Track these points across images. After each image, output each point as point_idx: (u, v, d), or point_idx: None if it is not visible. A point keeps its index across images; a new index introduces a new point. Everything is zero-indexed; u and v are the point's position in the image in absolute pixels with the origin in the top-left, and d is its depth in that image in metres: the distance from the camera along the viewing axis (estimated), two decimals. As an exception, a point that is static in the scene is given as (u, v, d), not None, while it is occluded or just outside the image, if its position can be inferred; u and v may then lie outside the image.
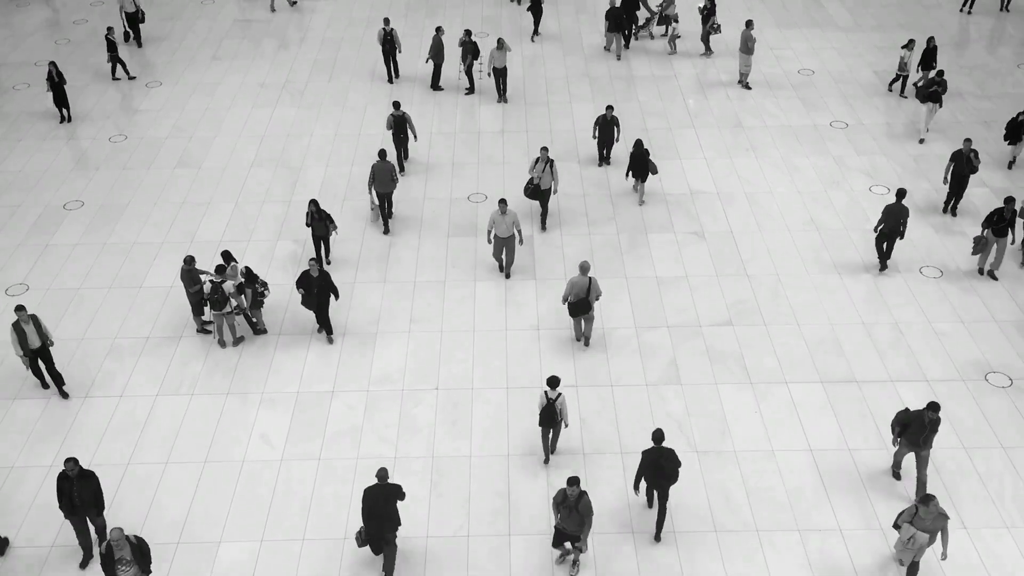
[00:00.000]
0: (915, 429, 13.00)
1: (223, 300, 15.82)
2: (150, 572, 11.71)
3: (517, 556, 12.85)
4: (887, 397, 15.29)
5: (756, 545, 13.00)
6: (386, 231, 19.20)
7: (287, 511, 13.56)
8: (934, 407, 12.80)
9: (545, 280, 17.94)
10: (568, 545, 12.58)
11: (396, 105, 20.60)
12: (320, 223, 17.43)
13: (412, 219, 19.67)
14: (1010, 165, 20.80)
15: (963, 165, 18.64)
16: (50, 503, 13.71)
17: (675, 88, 24.66)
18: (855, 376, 15.71)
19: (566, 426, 13.95)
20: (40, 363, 15.43)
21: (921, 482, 13.32)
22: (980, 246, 17.56)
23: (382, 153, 18.80)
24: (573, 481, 11.57)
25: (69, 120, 23.44)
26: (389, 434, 14.75)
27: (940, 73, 21.35)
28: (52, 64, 22.62)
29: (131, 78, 25.34)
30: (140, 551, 11.44)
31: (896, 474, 13.82)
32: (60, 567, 12.82)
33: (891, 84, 23.99)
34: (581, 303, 15.74)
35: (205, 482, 14.01)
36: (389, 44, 24.35)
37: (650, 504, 13.46)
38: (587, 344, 16.33)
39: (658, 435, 12.55)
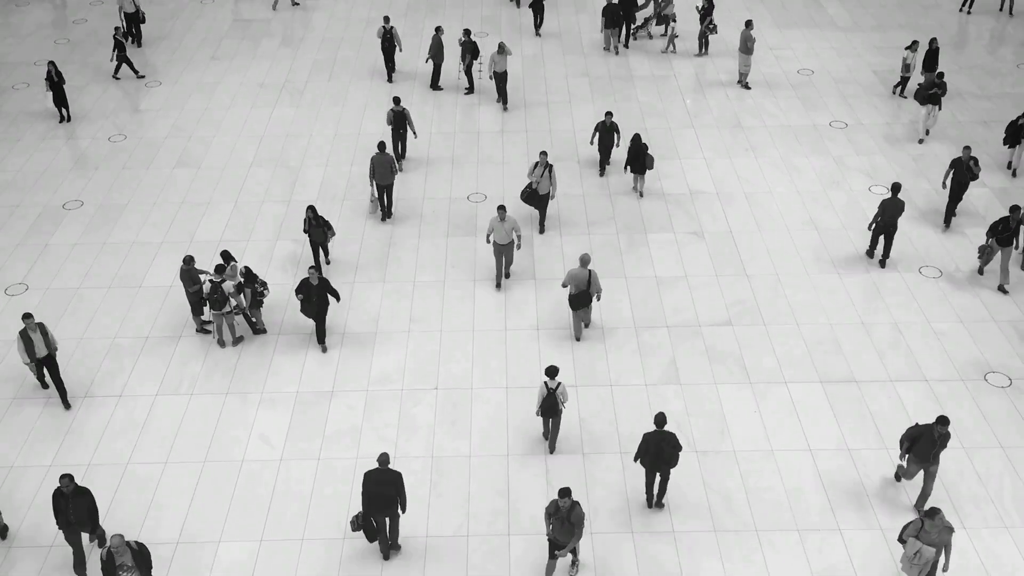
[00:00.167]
0: (924, 444, 12.71)
1: (223, 300, 15.81)
2: None
3: (517, 556, 12.85)
4: (887, 397, 15.30)
5: (756, 545, 13.01)
6: (385, 217, 19.49)
7: (286, 511, 13.56)
8: (943, 421, 12.54)
9: (545, 280, 17.94)
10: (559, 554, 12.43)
11: (396, 100, 20.69)
12: (318, 229, 17.36)
13: (412, 219, 19.67)
14: (1013, 172, 20.62)
15: (963, 172, 18.41)
16: (50, 502, 13.70)
17: (674, 88, 24.67)
18: (854, 376, 15.71)
19: (564, 408, 14.09)
20: (46, 371, 15.31)
21: (925, 495, 13.16)
22: (986, 255, 17.30)
23: (381, 145, 18.93)
24: (564, 492, 11.47)
25: (68, 120, 23.43)
26: (389, 434, 14.75)
27: (940, 75, 21.27)
28: (51, 64, 22.62)
29: (140, 76, 25.33)
30: (141, 556, 11.34)
31: (898, 477, 13.73)
32: (61, 567, 12.81)
33: (895, 88, 23.86)
34: (582, 295, 15.84)
35: (204, 482, 14.01)
36: (389, 42, 24.40)
37: (650, 504, 13.46)
38: (587, 326, 16.56)
39: (660, 419, 12.74)
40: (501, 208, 16.68)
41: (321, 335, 16.17)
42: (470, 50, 23.69)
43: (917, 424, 12.89)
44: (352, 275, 18.10)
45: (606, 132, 20.39)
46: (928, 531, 11.46)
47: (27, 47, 27.26)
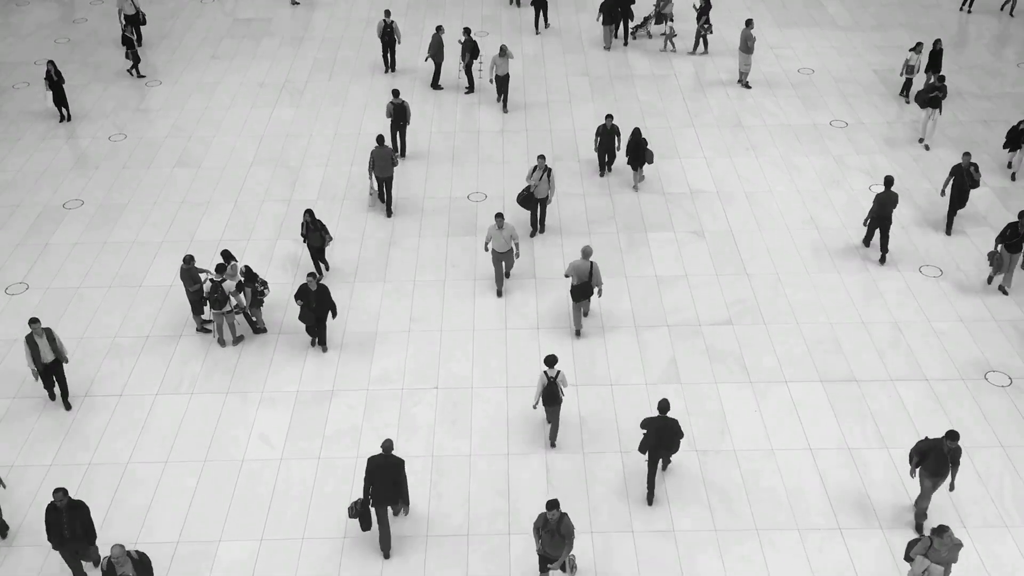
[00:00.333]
0: (934, 459, 12.46)
1: (223, 299, 15.82)
2: None
3: (517, 556, 12.85)
4: (887, 396, 15.29)
5: (756, 545, 13.01)
6: (389, 214, 19.56)
7: (287, 510, 13.56)
8: (952, 436, 12.28)
9: (544, 280, 17.93)
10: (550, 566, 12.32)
11: (395, 93, 20.78)
12: (315, 233, 17.29)
13: (412, 218, 19.67)
14: (1013, 175, 20.55)
15: (963, 179, 18.24)
16: (50, 501, 13.70)
17: (674, 87, 24.66)
18: (855, 375, 15.71)
19: (563, 396, 14.19)
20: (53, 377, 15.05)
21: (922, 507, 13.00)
22: (996, 263, 17.02)
23: (380, 138, 19.07)
24: (552, 505, 11.35)
25: (68, 119, 23.43)
26: (389, 433, 14.74)
27: (941, 79, 21.07)
28: (50, 63, 22.62)
29: (140, 76, 25.34)
30: (142, 566, 11.18)
31: (920, 522, 13.11)
32: (61, 566, 12.81)
33: (902, 90, 23.72)
34: (583, 287, 15.94)
35: (205, 481, 14.01)
36: (389, 36, 24.56)
37: (650, 502, 13.46)
38: (585, 315, 16.71)
39: (663, 405, 12.88)
40: (499, 216, 16.59)
41: (322, 338, 16.17)
42: (470, 49, 23.70)
43: (926, 438, 12.63)
44: (352, 274, 18.10)
45: (607, 135, 20.32)
46: (937, 549, 11.20)
47: (27, 46, 27.26)
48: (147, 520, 13.43)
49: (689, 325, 16.79)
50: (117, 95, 24.59)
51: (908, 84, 23.48)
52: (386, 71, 25.30)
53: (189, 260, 16.02)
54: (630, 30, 27.36)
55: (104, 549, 13.00)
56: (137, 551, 11.25)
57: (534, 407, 14.15)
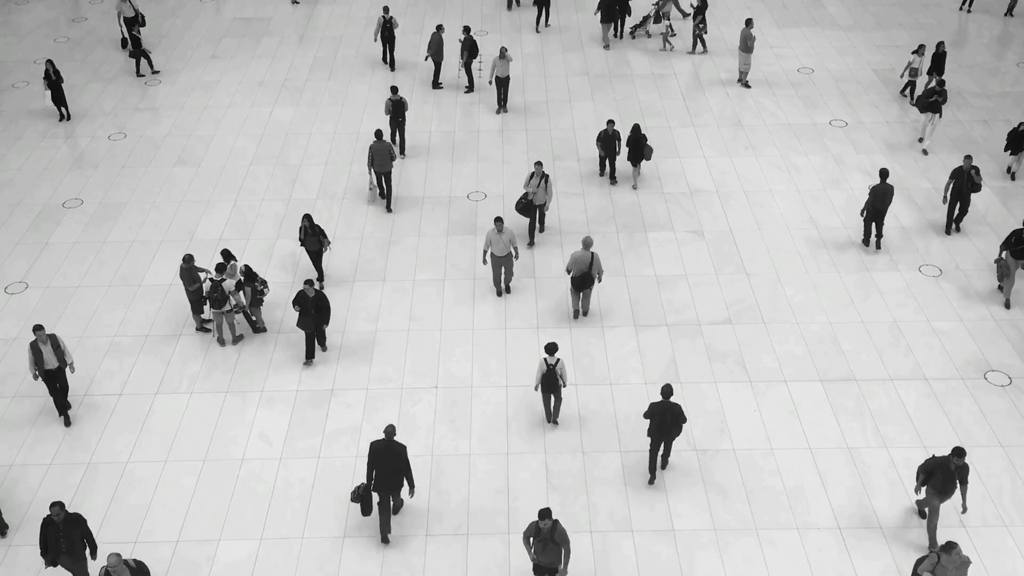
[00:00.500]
0: (941, 476, 12.29)
1: (223, 298, 15.81)
2: None
3: (516, 556, 12.85)
4: (886, 396, 15.30)
5: (756, 544, 13.01)
6: (388, 209, 19.67)
7: (286, 510, 13.56)
8: (959, 453, 12.15)
9: (545, 280, 17.93)
10: None
11: (394, 90, 20.86)
12: (313, 238, 17.18)
13: (411, 217, 19.67)
14: (1009, 170, 20.56)
15: (963, 182, 18.14)
16: (50, 501, 13.71)
17: (674, 86, 24.66)
18: (854, 375, 15.71)
19: (564, 386, 14.35)
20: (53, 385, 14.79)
21: (930, 523, 12.84)
22: (1003, 271, 16.86)
23: (378, 133, 19.18)
24: (545, 514, 11.21)
25: (68, 118, 23.42)
26: (388, 433, 14.75)
27: (941, 83, 20.93)
28: (49, 62, 22.61)
29: (139, 75, 25.34)
30: (140, 573, 11.10)
31: (933, 543, 12.89)
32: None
33: (907, 91, 23.70)
34: (584, 277, 16.08)
35: (204, 480, 14.01)
36: (388, 32, 24.62)
37: (652, 481, 13.67)
38: (585, 314, 16.72)
39: (666, 390, 13.05)
40: (498, 220, 16.52)
41: (321, 340, 16.16)
42: (469, 47, 23.69)
43: (933, 456, 12.46)
44: (352, 273, 18.10)
45: (608, 140, 20.20)
46: (944, 566, 10.96)
47: (27, 45, 27.24)
48: (147, 519, 13.43)
49: (689, 325, 16.79)
50: (117, 94, 24.58)
51: (912, 87, 23.37)
52: (384, 61, 25.46)
53: (189, 259, 16.02)
54: (629, 29, 27.37)
55: (104, 550, 13.01)
56: (135, 560, 11.18)
57: (535, 389, 14.29)
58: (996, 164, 21.16)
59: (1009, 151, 20.23)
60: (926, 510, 13.16)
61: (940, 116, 21.21)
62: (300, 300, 15.46)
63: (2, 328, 16.89)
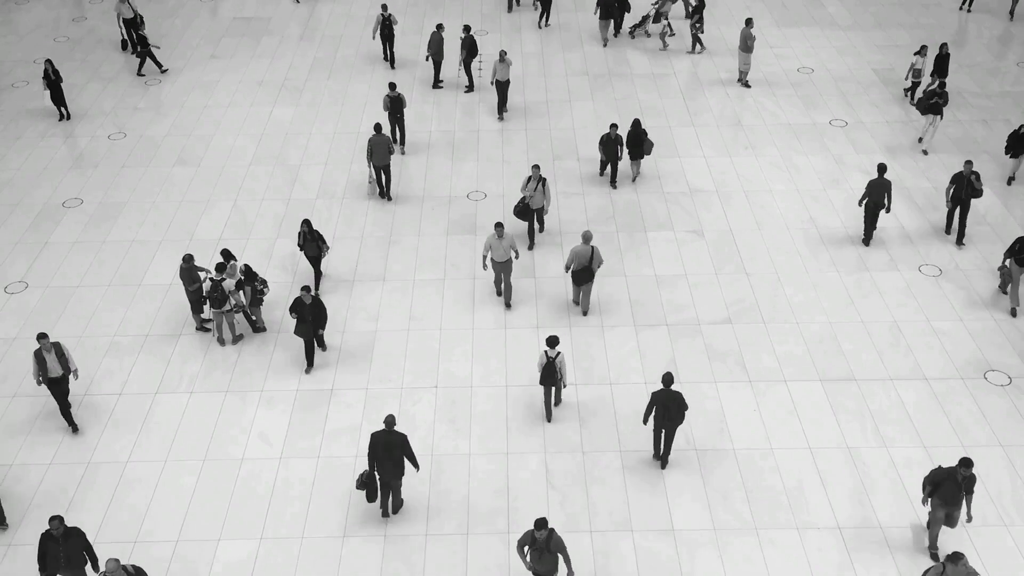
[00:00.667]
0: (948, 488, 12.14)
1: (223, 298, 15.81)
2: None
3: (516, 555, 12.84)
4: (886, 395, 15.30)
5: (756, 544, 13.01)
6: (388, 199, 19.96)
7: (286, 509, 13.56)
8: (966, 463, 11.97)
9: (544, 280, 17.93)
10: None
11: (392, 86, 20.97)
12: (312, 244, 17.11)
13: (411, 217, 19.66)
14: (1009, 181, 20.49)
15: (963, 188, 18.04)
16: (50, 500, 13.71)
17: (674, 86, 24.65)
18: (854, 374, 15.71)
19: (565, 386, 14.58)
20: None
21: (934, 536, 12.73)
22: (1006, 278, 16.84)
23: (377, 127, 19.32)
24: (540, 524, 11.14)
25: (68, 118, 23.41)
26: (388, 432, 14.75)
27: (942, 85, 20.88)
28: (48, 62, 22.60)
29: (140, 75, 25.34)
30: None
31: (934, 555, 12.81)
32: (59, 565, 12.82)
33: (909, 92, 23.64)
34: (584, 271, 16.15)
35: (204, 480, 14.01)
36: (388, 29, 24.67)
37: (656, 457, 14.01)
38: (585, 314, 16.75)
39: (667, 378, 13.22)
40: (499, 225, 16.44)
41: (320, 343, 16.16)
42: (468, 46, 23.68)
43: (940, 467, 12.33)
44: (352, 273, 18.10)
45: (610, 144, 20.12)
46: None
47: (27, 45, 27.24)
48: (147, 519, 13.42)
49: (689, 324, 16.79)
50: (116, 94, 24.58)
51: (914, 88, 23.24)
52: (384, 58, 25.50)
53: (188, 259, 16.01)
54: (628, 29, 27.36)
55: (104, 550, 13.00)
56: (133, 565, 11.11)
57: (540, 383, 14.41)
58: (996, 164, 21.15)
59: (1010, 153, 20.16)
60: (937, 552, 12.83)
61: (941, 118, 21.19)
62: (297, 307, 15.37)
63: (2, 328, 16.89)
